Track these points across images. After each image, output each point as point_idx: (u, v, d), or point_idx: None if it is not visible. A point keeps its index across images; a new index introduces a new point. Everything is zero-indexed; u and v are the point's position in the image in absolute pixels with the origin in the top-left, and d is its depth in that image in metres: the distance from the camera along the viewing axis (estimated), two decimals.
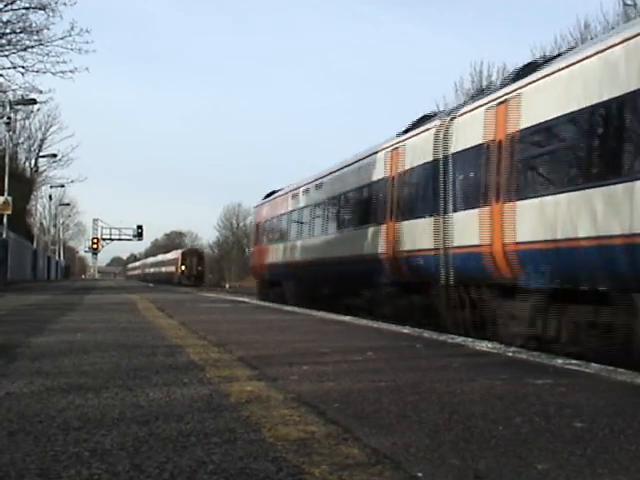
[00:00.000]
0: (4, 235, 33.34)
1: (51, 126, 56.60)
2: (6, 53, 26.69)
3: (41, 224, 67.79)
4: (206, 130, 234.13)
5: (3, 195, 33.70)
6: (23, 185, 46.05)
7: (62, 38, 26.34)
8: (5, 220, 33.34)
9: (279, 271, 22.82)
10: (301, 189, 21.47)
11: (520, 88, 10.35)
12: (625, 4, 26.72)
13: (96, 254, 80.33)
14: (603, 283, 8.45)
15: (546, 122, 9.59)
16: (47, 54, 26.53)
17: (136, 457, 2.76)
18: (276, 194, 25.57)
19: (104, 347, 6.66)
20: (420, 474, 2.61)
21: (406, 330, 9.63)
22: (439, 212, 12.32)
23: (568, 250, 8.90)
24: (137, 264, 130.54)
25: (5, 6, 26.10)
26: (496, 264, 10.55)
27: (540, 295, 9.77)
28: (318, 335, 8.59)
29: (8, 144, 39.44)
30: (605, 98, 8.43)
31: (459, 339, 8.37)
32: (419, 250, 13.15)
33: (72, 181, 58.68)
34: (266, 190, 27.45)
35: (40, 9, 26.06)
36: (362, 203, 16.34)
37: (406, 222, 13.82)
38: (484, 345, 7.66)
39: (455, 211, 11.86)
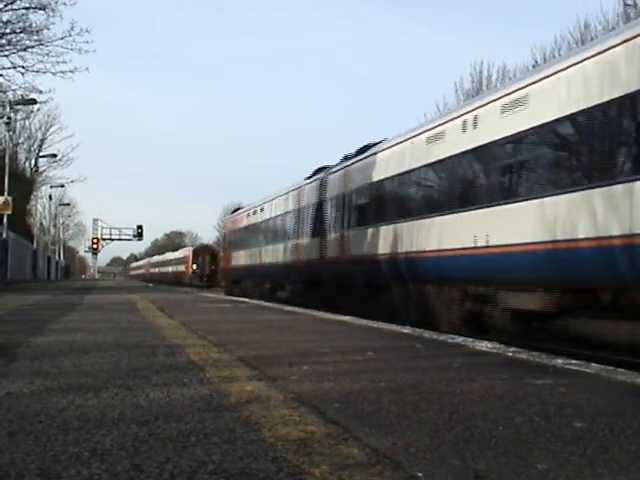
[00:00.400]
0: (4, 235, 33.34)
1: (51, 126, 56.66)
2: (6, 53, 26.72)
3: (41, 224, 67.81)
4: (206, 130, 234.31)
5: (3, 195, 33.70)
6: (23, 185, 46.02)
7: (62, 38, 26.37)
8: (5, 220, 33.34)
9: (239, 272, 30.64)
10: (251, 210, 29.53)
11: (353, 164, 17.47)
12: (625, 4, 26.71)
13: (96, 254, 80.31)
14: None
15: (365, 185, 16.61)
16: (47, 54, 26.56)
17: (136, 457, 2.76)
18: (237, 212, 33.40)
19: (104, 347, 6.66)
20: (420, 474, 2.61)
21: (406, 330, 9.64)
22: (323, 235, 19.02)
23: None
24: (140, 263, 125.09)
25: (5, 6, 26.12)
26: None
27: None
28: (318, 335, 8.59)
29: (8, 144, 39.44)
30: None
31: (459, 339, 8.37)
32: (310, 259, 20.23)
33: (72, 181, 58.77)
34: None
35: (40, 9, 26.08)
36: (283, 225, 23.72)
37: (306, 239, 20.85)
38: (484, 345, 7.66)
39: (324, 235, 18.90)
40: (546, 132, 10.06)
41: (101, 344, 6.94)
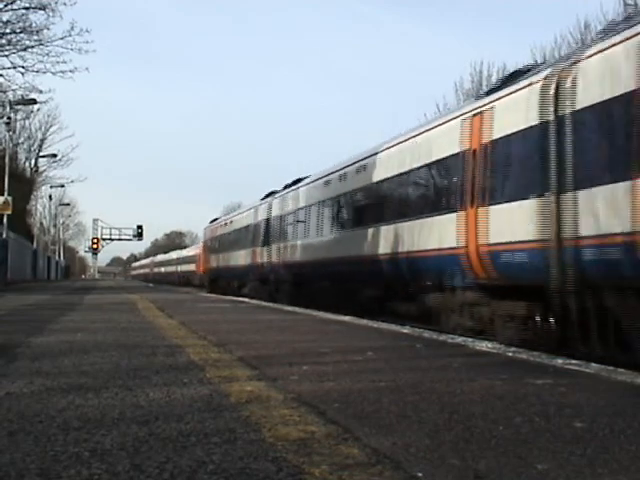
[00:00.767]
0: (4, 235, 33.34)
1: (51, 126, 56.56)
2: (6, 53, 26.68)
3: (41, 224, 67.79)
4: (206, 130, 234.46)
5: (3, 195, 33.70)
6: (23, 185, 46.01)
7: (62, 38, 26.31)
8: (5, 220, 33.34)
9: (215, 272, 35.88)
10: (222, 222, 35.67)
11: None
12: (626, 4, 26.71)
13: (96, 254, 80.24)
14: None
15: None
16: (47, 54, 26.50)
17: (136, 457, 2.76)
18: (213, 222, 39.33)
19: (104, 347, 6.66)
20: (420, 474, 2.61)
21: (406, 330, 9.64)
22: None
23: None
24: (143, 262, 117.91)
25: (5, 6, 26.08)
26: None
27: None
28: (318, 335, 8.59)
29: (8, 144, 39.45)
30: None
31: (459, 339, 8.37)
32: (262, 263, 25.87)
33: (72, 181, 58.66)
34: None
35: (40, 9, 26.03)
36: (245, 235, 28.60)
37: (258, 248, 26.34)
38: (484, 345, 7.66)
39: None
40: (373, 189, 15.63)
41: (101, 344, 6.94)
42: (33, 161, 56.63)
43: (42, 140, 56.47)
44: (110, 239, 77.07)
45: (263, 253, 24.98)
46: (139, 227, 75.51)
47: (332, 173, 18.81)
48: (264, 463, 2.69)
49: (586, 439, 3.19)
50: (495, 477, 2.61)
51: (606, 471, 2.70)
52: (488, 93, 11.64)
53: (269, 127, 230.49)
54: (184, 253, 69.08)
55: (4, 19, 26.48)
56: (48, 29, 26.46)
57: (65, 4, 26.06)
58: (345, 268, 16.58)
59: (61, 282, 57.11)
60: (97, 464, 2.66)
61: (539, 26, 79.32)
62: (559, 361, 6.21)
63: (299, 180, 23.27)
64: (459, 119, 11.84)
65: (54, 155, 53.24)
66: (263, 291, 24.60)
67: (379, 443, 3.03)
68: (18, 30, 26.45)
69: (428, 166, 12.73)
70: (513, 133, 10.11)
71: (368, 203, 15.96)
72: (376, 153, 15.64)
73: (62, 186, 61.07)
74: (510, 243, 9.93)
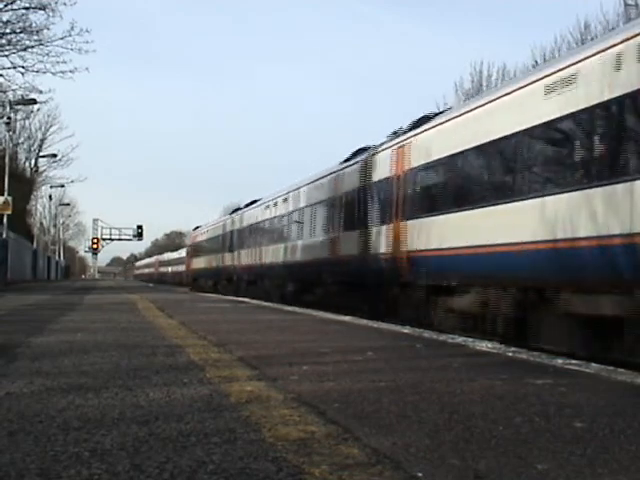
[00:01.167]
0: (4, 235, 33.33)
1: (51, 126, 56.54)
2: (6, 53, 26.69)
3: (41, 224, 67.75)
4: (206, 130, 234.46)
5: (3, 195, 33.69)
6: (23, 185, 45.99)
7: (62, 38, 26.33)
8: (5, 220, 33.33)
9: (197, 273, 41.66)
10: (201, 230, 42.39)
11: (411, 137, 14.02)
12: (626, 4, 26.70)
13: (96, 254, 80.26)
14: None
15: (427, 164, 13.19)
16: (47, 54, 26.52)
17: (136, 457, 2.76)
18: (196, 230, 45.47)
19: (104, 347, 6.66)
20: (420, 474, 2.61)
21: (406, 330, 9.64)
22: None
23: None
24: (148, 261, 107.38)
25: (5, 6, 26.10)
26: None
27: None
28: (318, 335, 8.59)
29: (8, 144, 39.42)
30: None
31: (459, 339, 8.37)
32: (228, 265, 32.22)
33: (72, 181, 58.65)
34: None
35: (40, 9, 26.05)
36: (217, 243, 34.82)
37: (227, 253, 32.42)
38: (484, 345, 7.66)
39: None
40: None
41: (101, 344, 6.94)
42: (33, 161, 56.67)
43: (42, 140, 56.51)
44: (110, 239, 77.08)
45: (229, 258, 31.68)
46: (139, 227, 75.52)
47: (267, 201, 26.02)
48: (264, 463, 2.69)
49: (586, 439, 3.19)
50: (495, 477, 2.61)
51: (606, 471, 2.70)
52: (411, 129, 14.50)
53: (269, 127, 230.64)
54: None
55: (4, 19, 26.53)
56: (48, 29, 26.52)
57: (65, 4, 26.10)
58: (294, 270, 21.32)
59: (61, 282, 57.10)
60: (97, 464, 2.66)
61: (539, 26, 79.34)
62: (559, 361, 6.21)
63: (255, 201, 29.56)
64: (390, 149, 14.76)
65: (54, 155, 53.25)
66: (230, 288, 30.62)
67: (379, 443, 3.03)
68: (18, 30, 26.49)
69: (371, 184, 15.62)
70: (420, 165, 13.27)
71: (301, 221, 20.92)
72: (326, 175, 19.51)
73: (62, 186, 61.12)
74: (419, 250, 12.88)
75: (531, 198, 9.51)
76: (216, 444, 2.97)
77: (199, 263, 40.72)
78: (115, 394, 4.15)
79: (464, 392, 4.38)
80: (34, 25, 26.42)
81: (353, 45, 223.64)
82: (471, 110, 11.65)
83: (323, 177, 19.36)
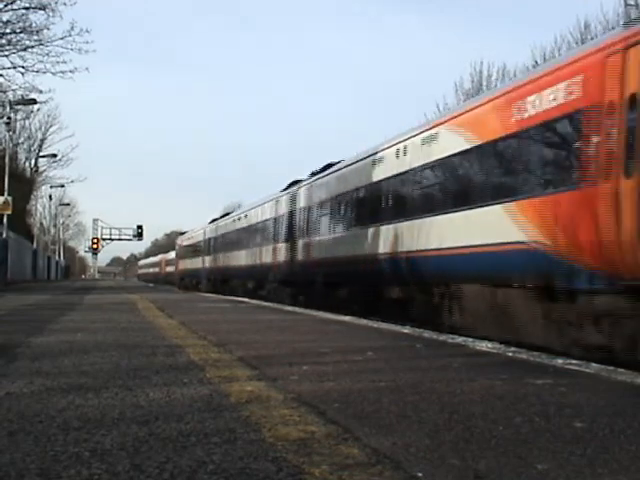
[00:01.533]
0: (4, 235, 33.32)
1: (51, 126, 56.46)
2: (6, 53, 26.65)
3: (41, 224, 67.73)
4: (206, 130, 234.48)
5: (3, 195, 33.68)
6: (23, 185, 45.97)
7: (62, 38, 26.29)
8: (5, 220, 33.32)
9: (183, 273, 47.05)
10: (187, 236, 48.33)
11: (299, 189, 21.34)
12: (627, 4, 26.67)
13: (96, 254, 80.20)
14: None
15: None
16: (47, 54, 26.47)
17: (136, 457, 2.76)
18: (182, 235, 52.25)
19: (104, 347, 6.66)
20: (420, 474, 2.61)
21: (406, 330, 9.64)
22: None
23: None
24: (153, 260, 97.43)
25: (5, 6, 26.06)
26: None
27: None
28: (318, 335, 8.59)
29: (8, 144, 39.39)
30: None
31: (459, 339, 8.37)
32: (207, 267, 37.65)
33: (72, 181, 58.57)
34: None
35: (40, 9, 26.00)
36: (199, 248, 40.25)
37: (208, 257, 37.34)
38: (484, 345, 7.66)
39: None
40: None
41: (101, 344, 6.94)
42: (33, 161, 56.60)
43: (42, 140, 56.45)
44: (110, 239, 77.03)
45: (207, 261, 37.31)
46: (139, 227, 75.49)
47: (234, 215, 32.64)
48: (264, 463, 2.69)
49: (586, 439, 3.19)
50: (495, 477, 2.61)
51: (606, 471, 2.70)
52: (312, 175, 20.95)
53: (269, 127, 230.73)
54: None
55: (4, 19, 26.48)
56: (48, 29, 26.47)
57: (65, 4, 26.08)
58: (249, 272, 27.06)
59: (61, 282, 57.10)
60: (97, 464, 2.66)
61: (539, 26, 79.31)
62: (559, 361, 6.21)
63: (227, 214, 35.95)
64: (301, 188, 21.15)
65: (54, 155, 53.22)
66: (209, 286, 35.53)
67: (379, 443, 3.03)
68: (18, 30, 26.45)
69: (294, 212, 21.30)
70: (306, 205, 20.04)
71: (242, 237, 28.66)
72: (256, 205, 27.43)
73: (62, 186, 61.06)
74: (302, 259, 19.86)
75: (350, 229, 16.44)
76: (216, 444, 2.97)
77: (185, 265, 46.62)
78: (115, 394, 4.15)
79: (464, 392, 4.38)
80: (34, 25, 26.40)
81: (353, 45, 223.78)
82: (336, 171, 18.02)
83: (267, 201, 25.55)
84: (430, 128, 12.62)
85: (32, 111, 46.41)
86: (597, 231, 7.76)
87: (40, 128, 55.92)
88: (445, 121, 12.19)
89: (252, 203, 29.23)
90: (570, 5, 65.07)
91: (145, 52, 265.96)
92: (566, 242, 8.35)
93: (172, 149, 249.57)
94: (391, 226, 13.53)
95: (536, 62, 29.14)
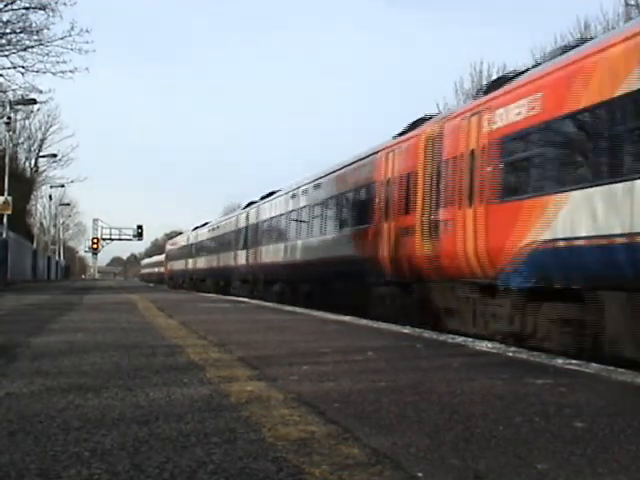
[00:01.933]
0: (4, 235, 33.30)
1: (51, 126, 56.43)
2: (6, 53, 26.68)
3: (41, 224, 67.71)
4: (206, 130, 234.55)
5: (3, 195, 33.66)
6: (23, 185, 45.96)
7: (62, 38, 26.32)
8: (5, 220, 33.29)
9: (172, 273, 51.88)
10: (173, 241, 55.33)
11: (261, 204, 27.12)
12: (627, 4, 26.69)
13: (96, 254, 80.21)
14: None
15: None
16: (47, 54, 26.50)
17: (136, 457, 2.76)
18: (170, 240, 58.53)
19: (104, 347, 6.66)
20: (420, 474, 2.61)
21: (406, 330, 9.64)
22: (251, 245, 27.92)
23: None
24: (159, 259, 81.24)
25: (5, 6, 26.09)
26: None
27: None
28: (318, 335, 8.59)
29: (8, 144, 39.33)
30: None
31: (459, 339, 8.37)
32: (190, 269, 44.13)
33: (72, 181, 58.60)
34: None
35: (40, 9, 26.05)
36: (184, 251, 45.75)
37: (191, 259, 43.71)
38: (484, 345, 7.66)
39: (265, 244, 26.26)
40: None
41: (101, 344, 6.94)
42: (33, 161, 56.58)
43: (42, 140, 56.43)
44: (110, 239, 77.03)
45: (190, 263, 42.81)
46: (139, 227, 75.52)
47: (212, 224, 37.83)
48: (264, 463, 2.69)
49: (586, 439, 3.19)
50: (495, 477, 2.61)
51: (606, 471, 2.70)
52: (260, 199, 27.47)
53: (269, 127, 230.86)
54: None
55: (4, 19, 26.51)
56: (48, 29, 26.50)
57: (65, 4, 26.09)
58: (221, 273, 32.82)
59: (61, 282, 57.10)
60: (97, 464, 2.66)
61: (539, 26, 79.22)
62: (559, 361, 6.21)
63: (206, 223, 40.98)
64: (255, 207, 27.66)
65: (54, 155, 53.20)
66: (191, 285, 40.83)
67: (379, 443, 3.03)
68: (18, 30, 26.48)
69: (256, 224, 26.69)
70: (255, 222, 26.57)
71: (224, 241, 32.93)
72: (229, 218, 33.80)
73: (62, 186, 61.04)
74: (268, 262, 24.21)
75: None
76: (216, 444, 2.97)
77: (172, 266, 52.39)
78: (115, 394, 4.15)
79: (464, 392, 4.38)
80: (34, 25, 26.44)
81: (353, 45, 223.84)
82: (269, 201, 25.05)
83: (230, 217, 32.97)
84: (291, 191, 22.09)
85: (32, 111, 46.46)
86: (376, 251, 14.34)
87: (40, 128, 55.94)
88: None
89: (223, 217, 37.87)
90: (570, 5, 65.10)
91: (145, 51, 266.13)
92: (367, 255, 14.78)
93: (172, 149, 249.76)
94: (282, 244, 21.98)
95: (536, 62, 29.13)
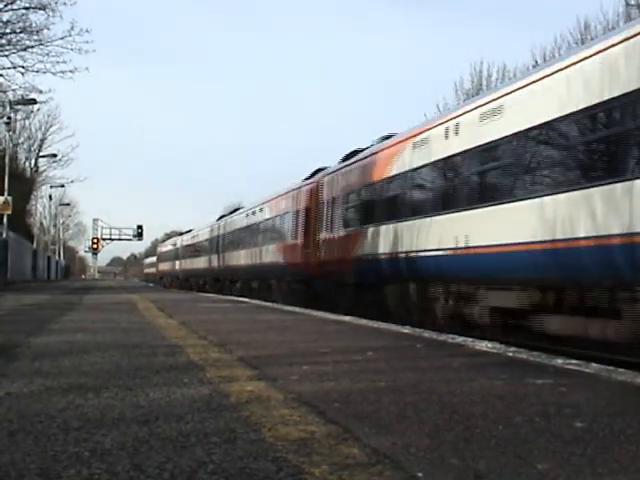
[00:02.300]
0: (4, 235, 33.30)
1: (51, 126, 56.45)
2: (6, 53, 26.66)
3: (41, 224, 67.68)
4: (206, 130, 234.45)
5: (3, 195, 33.66)
6: (23, 185, 45.96)
7: (62, 38, 26.31)
8: (5, 220, 33.29)
9: (163, 273, 57.42)
10: (164, 243, 63.77)
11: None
12: (628, 4, 26.68)
13: (96, 254, 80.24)
14: None
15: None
16: (47, 54, 26.49)
17: (136, 457, 2.76)
18: (162, 243, 64.80)
19: (104, 347, 6.66)
20: (420, 474, 2.61)
21: (406, 330, 9.64)
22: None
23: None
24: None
25: (5, 6, 26.08)
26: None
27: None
28: (318, 335, 8.59)
29: (8, 144, 39.33)
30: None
31: (459, 339, 8.37)
32: (179, 269, 49.70)
33: (72, 181, 58.63)
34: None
35: (40, 9, 26.04)
36: (175, 253, 51.64)
37: (181, 261, 48.81)
38: (484, 345, 7.66)
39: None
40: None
41: (101, 344, 6.94)
42: (33, 161, 56.58)
43: (42, 140, 56.44)
44: (110, 239, 77.06)
45: (177, 264, 48.61)
46: (139, 227, 75.54)
47: (196, 231, 43.37)
48: (264, 463, 2.69)
49: (586, 439, 3.19)
50: (495, 477, 2.61)
51: (606, 471, 2.70)
52: (231, 212, 35.57)
53: (269, 127, 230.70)
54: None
55: (4, 19, 26.50)
56: (48, 29, 26.50)
57: (65, 4, 26.09)
58: (202, 273, 38.29)
59: (61, 282, 57.10)
60: (97, 464, 2.66)
61: (539, 26, 79.27)
62: (559, 361, 6.21)
63: (190, 230, 46.58)
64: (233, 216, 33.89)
65: (54, 155, 53.21)
66: (178, 284, 46.29)
67: (379, 443, 3.03)
68: (18, 30, 26.47)
69: (228, 233, 32.70)
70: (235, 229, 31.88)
71: (206, 246, 38.42)
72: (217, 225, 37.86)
73: (62, 186, 61.06)
74: (232, 265, 30.99)
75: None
76: (216, 444, 2.97)
77: (163, 267, 58.09)
78: (115, 394, 4.15)
79: (464, 392, 4.38)
80: (34, 25, 26.43)
81: (353, 45, 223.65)
82: (232, 217, 32.30)
83: (208, 227, 38.20)
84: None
85: (32, 111, 46.49)
86: (292, 258, 21.21)
87: (40, 128, 55.96)
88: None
89: (203, 226, 41.63)
90: (570, 5, 65.07)
91: (145, 51, 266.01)
92: (287, 261, 21.77)
93: (172, 149, 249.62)
94: (238, 252, 29.07)
95: (536, 62, 29.15)
